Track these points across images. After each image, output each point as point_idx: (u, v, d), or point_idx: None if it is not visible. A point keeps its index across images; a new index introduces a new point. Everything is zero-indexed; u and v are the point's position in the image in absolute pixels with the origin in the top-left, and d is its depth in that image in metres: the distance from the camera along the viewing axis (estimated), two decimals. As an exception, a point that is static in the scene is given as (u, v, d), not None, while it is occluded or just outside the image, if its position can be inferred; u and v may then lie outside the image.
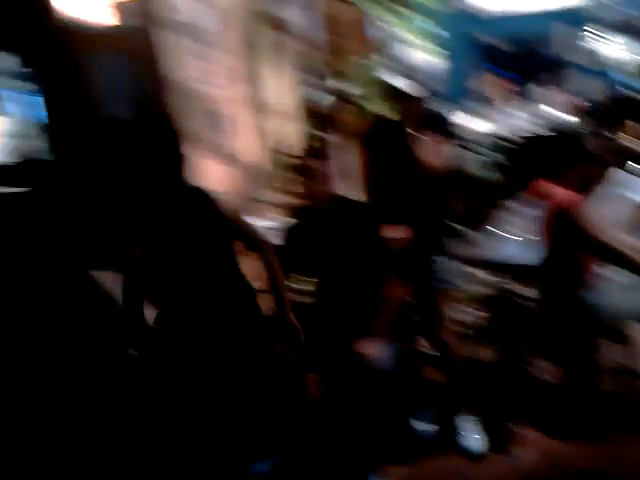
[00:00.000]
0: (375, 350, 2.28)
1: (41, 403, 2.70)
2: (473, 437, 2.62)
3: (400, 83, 2.50)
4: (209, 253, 2.18)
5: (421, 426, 2.68)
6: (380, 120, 2.75)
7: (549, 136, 2.84)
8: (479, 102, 5.40)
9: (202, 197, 2.17)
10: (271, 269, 2.23)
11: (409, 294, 2.52)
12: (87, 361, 2.79)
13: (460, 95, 5.50)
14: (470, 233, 3.20)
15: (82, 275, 2.99)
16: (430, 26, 4.14)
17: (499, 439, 2.65)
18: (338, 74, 3.66)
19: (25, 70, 3.56)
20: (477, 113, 4.93)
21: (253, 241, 2.26)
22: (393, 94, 2.51)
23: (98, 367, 2.78)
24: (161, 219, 2.13)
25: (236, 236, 2.24)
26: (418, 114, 2.50)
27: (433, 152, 2.44)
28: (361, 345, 2.29)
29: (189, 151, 3.12)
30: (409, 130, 2.46)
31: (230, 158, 3.64)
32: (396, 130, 2.49)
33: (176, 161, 2.12)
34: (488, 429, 2.68)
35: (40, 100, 3.64)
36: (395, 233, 2.41)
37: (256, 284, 2.31)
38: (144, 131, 2.14)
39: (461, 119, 3.94)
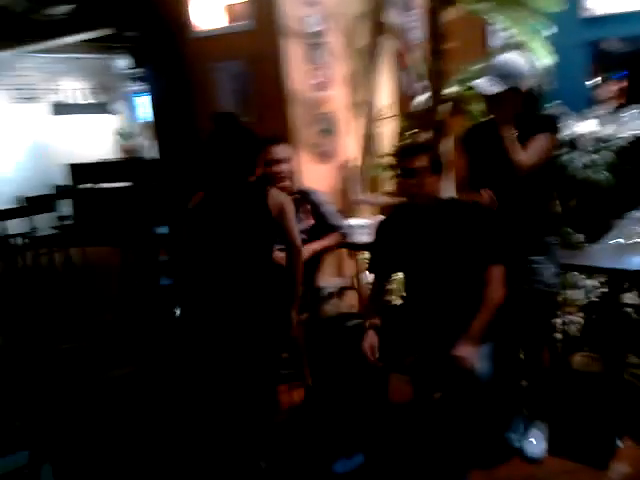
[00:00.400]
0: (473, 355, 2.23)
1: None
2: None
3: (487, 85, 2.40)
4: (246, 244, 2.50)
5: (518, 439, 2.60)
6: (479, 121, 2.72)
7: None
8: (595, 105, 5.20)
9: (259, 193, 2.50)
10: (291, 269, 2.56)
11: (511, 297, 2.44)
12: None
13: (576, 98, 5.32)
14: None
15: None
16: (546, 30, 3.98)
17: (600, 452, 2.53)
18: (448, 78, 3.61)
19: (138, 71, 3.86)
20: (594, 116, 4.71)
21: (286, 238, 2.52)
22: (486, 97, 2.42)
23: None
24: (215, 210, 2.50)
25: (275, 231, 2.50)
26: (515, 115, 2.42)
27: (536, 153, 2.37)
28: (458, 349, 2.25)
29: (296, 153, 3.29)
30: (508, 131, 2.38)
31: (335, 159, 3.68)
32: (493, 131, 2.42)
33: (243, 161, 2.50)
34: (590, 441, 2.56)
35: (150, 101, 3.88)
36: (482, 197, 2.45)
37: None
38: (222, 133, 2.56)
39: (579, 123, 3.77)
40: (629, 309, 3.32)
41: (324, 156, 3.58)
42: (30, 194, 6.29)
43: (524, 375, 2.76)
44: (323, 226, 3.12)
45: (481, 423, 2.47)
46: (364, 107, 4.00)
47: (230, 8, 3.47)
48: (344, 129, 3.76)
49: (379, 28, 3.93)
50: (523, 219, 2.45)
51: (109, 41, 6.37)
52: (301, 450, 2.71)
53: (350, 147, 3.83)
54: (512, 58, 2.48)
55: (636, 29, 6.83)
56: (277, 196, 2.53)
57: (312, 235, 3.10)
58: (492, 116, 2.50)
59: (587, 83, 5.71)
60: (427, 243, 2.48)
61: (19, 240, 6.08)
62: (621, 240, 2.79)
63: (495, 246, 2.41)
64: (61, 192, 6.67)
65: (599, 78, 5.41)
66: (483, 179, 2.51)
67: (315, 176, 3.54)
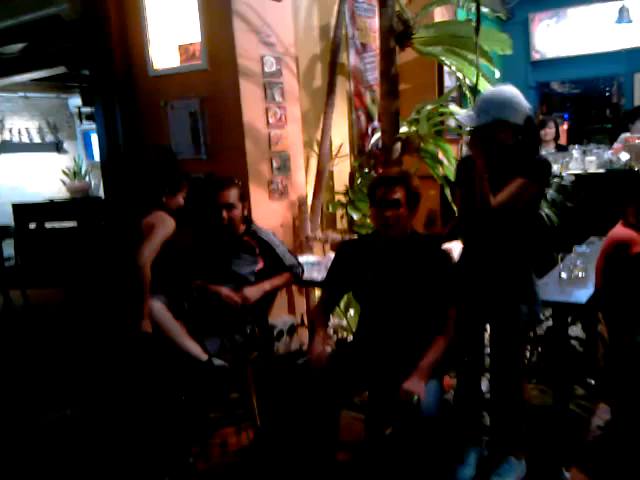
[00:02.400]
0: (420, 389, 2.22)
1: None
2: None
3: (466, 117, 2.41)
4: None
5: (465, 473, 2.60)
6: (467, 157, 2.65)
7: (606, 173, 2.80)
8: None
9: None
10: None
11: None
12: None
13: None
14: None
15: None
16: (496, 73, 4.15)
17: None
18: (404, 118, 3.70)
19: (88, 110, 3.86)
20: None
21: None
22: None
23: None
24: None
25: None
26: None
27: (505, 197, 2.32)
28: (406, 383, 2.24)
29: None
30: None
31: (288, 196, 3.71)
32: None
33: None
34: (537, 472, 2.57)
35: (97, 139, 3.85)
36: None
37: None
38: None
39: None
40: (574, 342, 3.41)
41: (277, 193, 3.60)
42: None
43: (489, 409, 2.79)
44: (275, 267, 3.10)
45: (431, 457, 2.44)
46: (318, 145, 4.06)
47: (185, 47, 3.49)
48: (297, 167, 3.80)
49: (334, 69, 4.01)
50: (507, 258, 2.42)
51: (62, 80, 6.31)
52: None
53: (303, 185, 3.86)
54: (501, 90, 2.37)
55: (582, 72, 7.23)
56: (153, 216, 2.80)
57: (261, 276, 3.08)
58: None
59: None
60: (384, 276, 2.49)
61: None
62: (564, 275, 2.87)
63: (452, 287, 2.44)
64: (2, 232, 6.48)
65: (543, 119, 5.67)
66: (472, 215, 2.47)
67: (268, 213, 3.55)
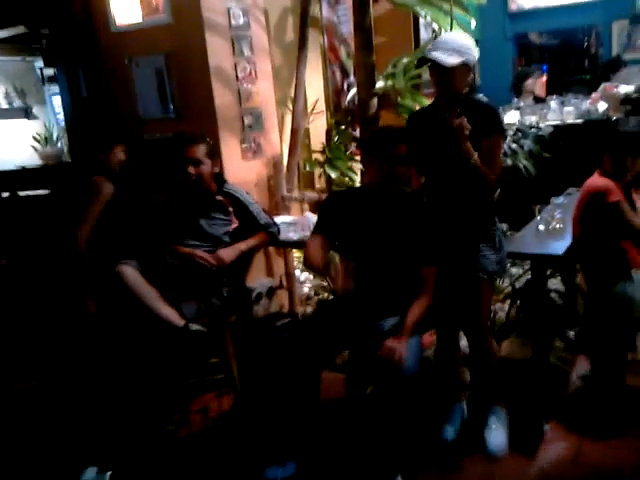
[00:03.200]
0: (401, 348, 2.19)
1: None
2: (500, 434, 2.53)
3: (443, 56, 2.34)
4: None
5: (450, 431, 2.59)
6: (414, 113, 2.64)
7: (583, 124, 2.74)
8: (516, 97, 5.37)
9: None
10: None
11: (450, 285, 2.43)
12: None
13: (499, 90, 5.47)
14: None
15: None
16: (472, 22, 4.03)
17: (528, 437, 2.55)
18: (381, 73, 3.59)
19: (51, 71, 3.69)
20: (516, 107, 4.83)
21: None
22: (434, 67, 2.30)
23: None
24: None
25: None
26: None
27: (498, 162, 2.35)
28: (387, 342, 2.21)
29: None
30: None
31: (262, 155, 3.61)
32: (438, 115, 2.36)
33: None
34: (518, 427, 2.58)
35: (61, 102, 3.70)
36: None
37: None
38: None
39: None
40: (553, 294, 3.41)
41: (250, 152, 3.49)
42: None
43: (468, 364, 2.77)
44: (249, 227, 3.04)
45: (414, 416, 2.44)
46: (291, 102, 3.94)
47: (147, 1, 3.32)
48: (271, 125, 3.68)
49: (306, 22, 3.86)
50: (471, 207, 2.39)
51: (26, 41, 6.04)
52: (231, 458, 2.61)
53: (277, 143, 3.75)
54: (460, 35, 2.40)
55: (560, 23, 7.11)
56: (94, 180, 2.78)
57: (236, 237, 3.02)
58: (435, 97, 2.42)
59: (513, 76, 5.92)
60: (369, 231, 2.44)
61: None
62: (542, 227, 2.83)
63: (431, 247, 2.39)
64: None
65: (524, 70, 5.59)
66: (427, 167, 2.45)
67: (241, 173, 3.45)
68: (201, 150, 2.90)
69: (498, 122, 2.33)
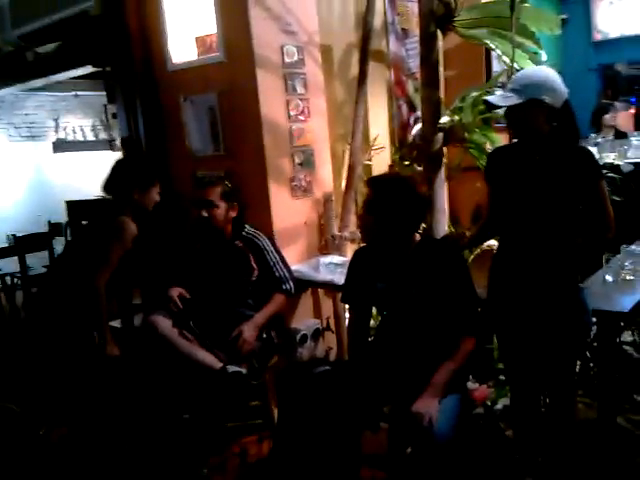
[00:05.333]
0: (433, 409, 2.03)
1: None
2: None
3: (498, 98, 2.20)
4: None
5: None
6: (497, 149, 2.48)
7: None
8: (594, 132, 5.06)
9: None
10: None
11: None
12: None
13: (582, 124, 5.17)
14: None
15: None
16: (542, 55, 3.82)
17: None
18: (448, 107, 3.46)
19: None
20: (594, 144, 4.54)
21: None
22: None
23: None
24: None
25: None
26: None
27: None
28: (417, 403, 2.07)
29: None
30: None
31: (312, 194, 3.54)
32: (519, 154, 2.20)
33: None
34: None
35: (122, 135, 3.79)
36: None
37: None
38: None
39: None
40: (629, 347, 3.11)
41: (300, 190, 3.42)
42: (25, 232, 6.22)
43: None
44: (267, 278, 2.94)
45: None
46: (349, 139, 3.86)
47: (202, 39, 3.35)
48: (323, 162, 3.60)
49: (366, 57, 3.79)
50: (553, 259, 2.16)
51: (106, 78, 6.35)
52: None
53: (329, 180, 3.67)
54: (537, 69, 2.22)
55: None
56: (118, 221, 2.77)
57: (256, 288, 2.93)
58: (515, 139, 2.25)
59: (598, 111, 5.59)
60: (394, 284, 2.33)
61: (8, 280, 6.00)
62: (610, 278, 2.57)
63: (467, 294, 2.24)
64: (53, 230, 6.58)
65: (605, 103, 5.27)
66: (507, 212, 2.26)
67: (290, 211, 3.38)
68: (215, 192, 2.85)
69: (597, 167, 2.13)
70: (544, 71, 2.14)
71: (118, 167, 3.00)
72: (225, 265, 2.92)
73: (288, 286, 2.97)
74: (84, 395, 2.93)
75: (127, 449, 2.87)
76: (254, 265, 2.92)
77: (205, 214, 2.84)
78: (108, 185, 2.96)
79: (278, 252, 2.99)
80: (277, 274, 2.93)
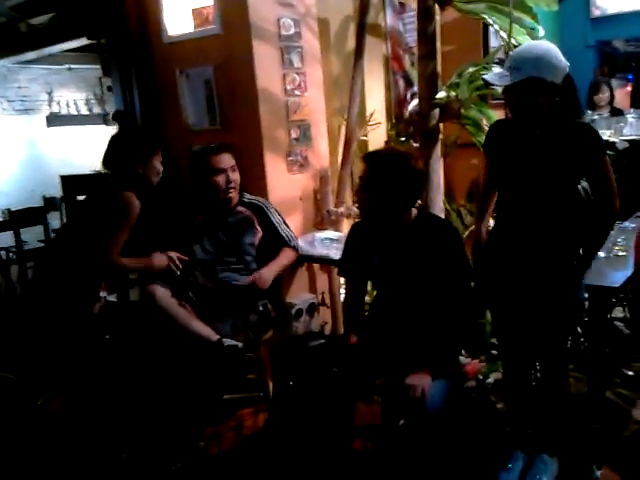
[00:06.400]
0: (425, 383, 2.07)
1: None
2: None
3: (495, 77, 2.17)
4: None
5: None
6: (497, 123, 2.44)
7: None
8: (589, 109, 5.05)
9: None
10: None
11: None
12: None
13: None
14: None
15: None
16: (540, 30, 3.79)
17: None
18: (445, 82, 3.44)
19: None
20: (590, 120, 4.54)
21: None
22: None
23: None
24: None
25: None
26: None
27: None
28: (410, 377, 2.11)
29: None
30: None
31: (309, 168, 3.53)
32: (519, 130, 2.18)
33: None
34: (566, 470, 2.35)
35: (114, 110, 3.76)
36: None
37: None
38: None
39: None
40: (620, 323, 3.15)
41: (297, 165, 3.42)
42: (19, 207, 6.19)
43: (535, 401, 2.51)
44: (272, 238, 3.01)
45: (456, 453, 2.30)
46: (345, 114, 3.84)
47: (199, 11, 3.32)
48: (320, 137, 3.59)
49: (363, 31, 3.75)
50: (551, 235, 2.17)
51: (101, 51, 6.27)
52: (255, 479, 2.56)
53: (325, 155, 3.66)
54: (535, 44, 2.17)
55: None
56: (123, 198, 2.68)
57: (261, 248, 2.97)
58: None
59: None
60: (390, 257, 2.35)
61: (3, 254, 5.99)
62: (602, 254, 2.59)
63: (461, 270, 2.27)
64: (48, 204, 6.56)
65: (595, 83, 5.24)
66: (503, 184, 2.27)
67: (286, 186, 3.38)
68: (230, 157, 2.93)
69: (600, 143, 2.11)
70: (543, 46, 2.09)
71: (117, 140, 2.94)
72: (232, 230, 2.96)
73: (294, 244, 3.06)
74: (82, 366, 2.94)
75: (123, 420, 2.90)
76: (258, 228, 2.99)
77: (235, 177, 2.92)
78: (108, 159, 2.89)
79: (280, 214, 3.08)
80: (282, 233, 3.02)
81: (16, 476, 2.71)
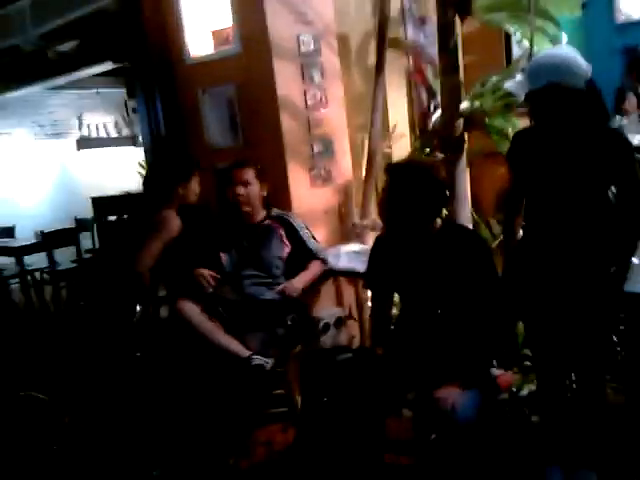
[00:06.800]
0: (455, 396, 2.04)
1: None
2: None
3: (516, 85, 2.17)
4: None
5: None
6: (520, 132, 2.41)
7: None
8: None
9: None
10: None
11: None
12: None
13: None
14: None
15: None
16: (563, 37, 3.75)
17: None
18: (468, 92, 3.43)
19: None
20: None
21: None
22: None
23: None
24: None
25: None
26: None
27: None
28: (441, 389, 2.08)
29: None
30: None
31: (332, 182, 3.53)
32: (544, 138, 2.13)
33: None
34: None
35: (141, 132, 3.82)
36: None
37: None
38: None
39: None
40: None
41: (320, 179, 3.43)
42: (52, 229, 6.32)
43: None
44: (300, 252, 3.02)
45: (491, 473, 2.26)
46: (368, 128, 3.84)
47: (218, 33, 3.38)
48: (342, 151, 3.60)
49: (383, 45, 3.76)
50: (592, 237, 2.11)
51: (125, 74, 6.40)
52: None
53: (349, 169, 3.66)
54: (554, 50, 2.16)
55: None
56: (163, 213, 2.76)
57: (290, 263, 2.98)
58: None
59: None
60: (415, 270, 2.31)
61: (37, 275, 6.11)
62: (636, 260, 2.52)
63: (490, 281, 2.23)
64: (80, 226, 6.69)
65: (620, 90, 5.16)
66: (534, 196, 2.22)
67: (310, 200, 3.40)
68: (250, 172, 2.94)
69: (630, 149, 2.05)
70: (562, 52, 2.06)
71: (159, 163, 3.04)
72: (259, 244, 2.98)
73: (324, 256, 3.08)
74: (114, 383, 2.98)
75: (154, 438, 2.91)
76: (286, 242, 3.00)
77: (242, 192, 2.93)
78: (150, 181, 2.97)
79: (308, 228, 3.10)
80: (311, 246, 3.04)
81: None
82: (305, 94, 3.34)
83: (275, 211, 3.08)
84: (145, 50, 3.51)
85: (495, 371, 2.96)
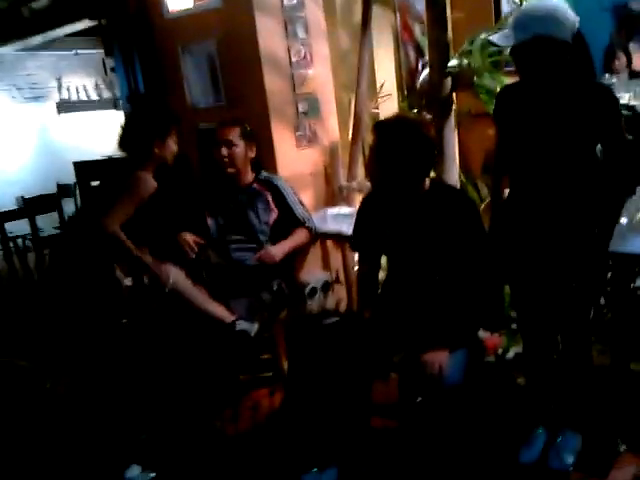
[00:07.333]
0: (442, 359, 2.02)
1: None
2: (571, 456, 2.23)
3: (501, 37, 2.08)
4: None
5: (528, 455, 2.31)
6: (506, 87, 2.34)
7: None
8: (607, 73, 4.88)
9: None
10: None
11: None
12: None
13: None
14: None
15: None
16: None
17: (600, 458, 2.25)
18: (457, 50, 3.33)
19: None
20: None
21: None
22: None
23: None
24: None
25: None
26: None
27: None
28: (427, 353, 2.06)
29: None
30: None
31: (318, 143, 3.45)
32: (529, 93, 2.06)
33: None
34: (589, 445, 2.28)
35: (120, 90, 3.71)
36: None
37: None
38: None
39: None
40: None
41: (305, 140, 3.35)
42: (33, 194, 6.20)
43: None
44: (287, 218, 2.95)
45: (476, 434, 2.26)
46: (354, 88, 3.74)
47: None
48: (329, 111, 3.51)
49: (370, 1, 3.64)
50: (578, 195, 2.06)
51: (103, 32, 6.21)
52: (274, 459, 2.51)
53: (335, 130, 3.58)
54: (541, 2, 2.03)
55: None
56: (136, 175, 2.66)
57: (277, 228, 2.91)
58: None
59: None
60: (403, 230, 2.28)
61: (20, 242, 6.01)
62: (625, 220, 2.49)
63: (477, 242, 2.19)
64: (62, 191, 6.56)
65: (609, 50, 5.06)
66: (519, 153, 2.15)
67: (295, 162, 3.32)
68: (234, 132, 2.83)
69: (616, 106, 2.02)
70: (549, 3, 1.96)
71: (133, 121, 2.89)
72: (245, 207, 2.91)
73: (310, 225, 2.99)
74: (98, 349, 2.94)
75: (141, 403, 2.89)
76: (273, 207, 2.92)
77: (225, 152, 2.83)
78: (124, 140, 2.83)
79: (296, 194, 3.01)
80: (298, 213, 2.96)
81: (30, 458, 2.71)
82: (289, 50, 3.23)
83: (264, 174, 2.99)
84: (122, 6, 3.37)
85: (482, 334, 2.97)
